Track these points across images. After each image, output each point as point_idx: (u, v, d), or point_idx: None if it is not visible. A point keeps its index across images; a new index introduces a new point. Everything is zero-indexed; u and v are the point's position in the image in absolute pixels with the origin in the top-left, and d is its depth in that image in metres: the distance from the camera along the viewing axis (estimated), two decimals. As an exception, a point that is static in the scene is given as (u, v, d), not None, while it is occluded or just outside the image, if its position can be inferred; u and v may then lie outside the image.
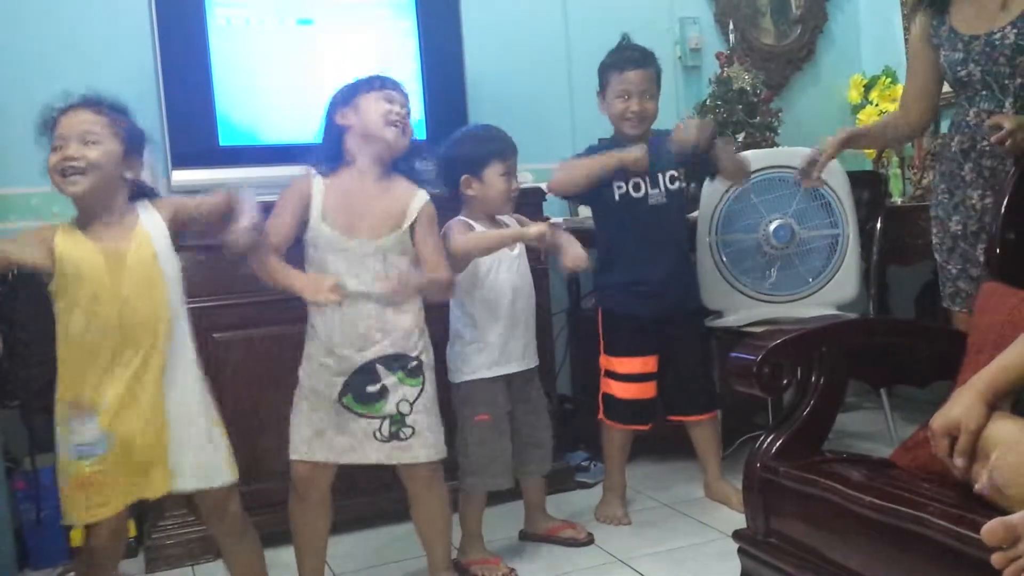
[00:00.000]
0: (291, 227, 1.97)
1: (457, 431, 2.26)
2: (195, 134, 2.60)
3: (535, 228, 2.18)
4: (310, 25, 2.75)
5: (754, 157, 2.78)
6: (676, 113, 3.44)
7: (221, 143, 2.63)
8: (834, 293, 2.80)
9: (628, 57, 2.48)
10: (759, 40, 3.67)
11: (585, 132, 3.03)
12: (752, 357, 1.58)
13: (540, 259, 2.55)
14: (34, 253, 1.68)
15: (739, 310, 2.77)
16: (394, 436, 1.97)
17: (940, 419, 1.33)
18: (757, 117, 3.27)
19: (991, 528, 1.05)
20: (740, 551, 1.63)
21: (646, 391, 2.52)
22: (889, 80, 3.56)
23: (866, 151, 3.54)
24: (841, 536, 1.41)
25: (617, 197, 2.47)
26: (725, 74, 3.32)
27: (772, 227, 2.75)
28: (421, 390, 1.99)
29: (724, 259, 2.79)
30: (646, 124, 2.49)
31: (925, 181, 3.11)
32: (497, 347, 2.24)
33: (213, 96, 2.62)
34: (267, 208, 1.94)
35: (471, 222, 2.25)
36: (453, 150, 2.30)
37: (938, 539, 1.20)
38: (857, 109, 3.66)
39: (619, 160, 2.38)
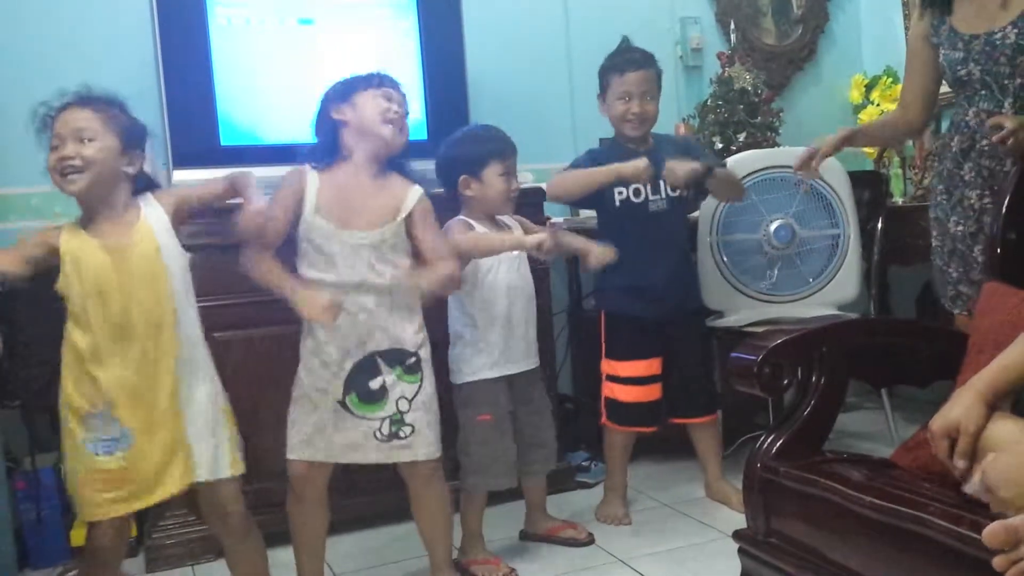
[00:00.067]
0: (284, 222, 1.96)
1: (459, 431, 2.26)
2: (196, 134, 2.60)
3: (534, 238, 2.16)
4: (311, 25, 2.75)
5: (755, 157, 2.78)
6: (677, 113, 3.44)
7: (222, 143, 2.63)
8: (835, 293, 2.79)
9: (628, 59, 2.48)
10: (760, 40, 3.66)
11: (586, 132, 3.03)
12: (753, 357, 1.58)
13: (541, 259, 2.55)
14: (40, 252, 1.69)
15: (740, 310, 2.77)
16: (394, 435, 1.97)
17: (939, 421, 1.32)
18: (758, 117, 3.27)
19: (992, 531, 1.04)
20: (740, 551, 1.63)
21: (651, 393, 2.52)
22: (890, 80, 3.55)
23: (867, 151, 3.54)
24: (841, 536, 1.41)
25: (618, 203, 2.47)
26: (726, 74, 3.32)
27: (773, 227, 2.75)
28: (419, 387, 1.99)
29: (725, 259, 2.79)
30: (647, 126, 2.49)
31: (926, 181, 3.11)
32: (497, 348, 2.24)
33: (214, 96, 2.62)
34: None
35: (472, 222, 2.24)
36: (451, 150, 2.30)
37: (938, 539, 1.20)
38: (858, 109, 3.66)
39: (618, 175, 2.36)
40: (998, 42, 2.07)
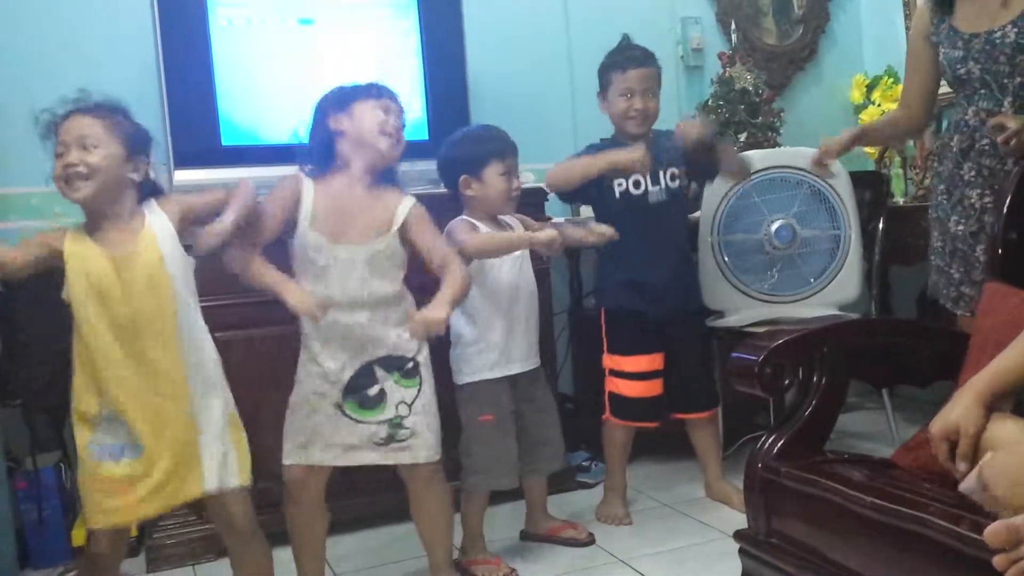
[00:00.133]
0: (275, 227, 1.95)
1: (461, 431, 2.26)
2: (197, 134, 2.60)
3: (544, 234, 2.17)
4: (311, 25, 2.75)
5: (756, 157, 2.78)
6: (678, 113, 3.43)
7: (223, 143, 2.63)
8: (836, 293, 2.79)
9: (630, 56, 2.49)
10: (761, 40, 3.66)
11: (586, 132, 3.02)
12: (754, 357, 1.57)
13: (542, 259, 2.55)
14: (41, 252, 1.69)
15: (741, 310, 2.77)
16: (391, 439, 1.97)
17: (938, 424, 1.32)
18: (759, 117, 3.26)
19: (994, 530, 1.04)
20: (741, 551, 1.63)
21: (653, 388, 2.52)
22: (891, 80, 3.55)
23: (868, 151, 3.54)
24: (842, 536, 1.41)
25: (617, 194, 2.47)
26: (727, 74, 3.32)
27: (774, 227, 2.75)
28: (419, 391, 1.99)
29: (726, 259, 2.79)
30: (649, 122, 2.49)
31: (927, 181, 3.11)
32: (499, 347, 2.24)
33: (215, 96, 2.62)
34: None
35: (475, 222, 2.24)
36: (452, 150, 2.30)
37: (939, 539, 1.20)
38: (859, 109, 3.65)
39: (614, 163, 2.36)
40: (998, 41, 2.07)
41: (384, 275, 1.97)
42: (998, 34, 2.07)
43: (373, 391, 1.95)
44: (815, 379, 1.61)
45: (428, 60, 2.86)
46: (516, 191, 2.28)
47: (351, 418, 1.95)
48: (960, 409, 1.30)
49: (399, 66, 2.81)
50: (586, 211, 2.92)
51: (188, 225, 1.81)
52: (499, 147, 2.25)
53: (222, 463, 1.75)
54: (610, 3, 3.39)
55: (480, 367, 2.24)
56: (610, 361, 2.55)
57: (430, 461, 2.01)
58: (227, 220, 1.80)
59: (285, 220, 1.96)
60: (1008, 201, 1.77)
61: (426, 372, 2.02)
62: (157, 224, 1.75)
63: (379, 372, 1.96)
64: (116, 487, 1.69)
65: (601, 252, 2.59)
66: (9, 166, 2.63)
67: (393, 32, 2.85)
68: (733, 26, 3.59)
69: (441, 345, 2.27)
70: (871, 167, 3.45)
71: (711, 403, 2.62)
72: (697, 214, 2.77)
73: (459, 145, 2.30)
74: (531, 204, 2.54)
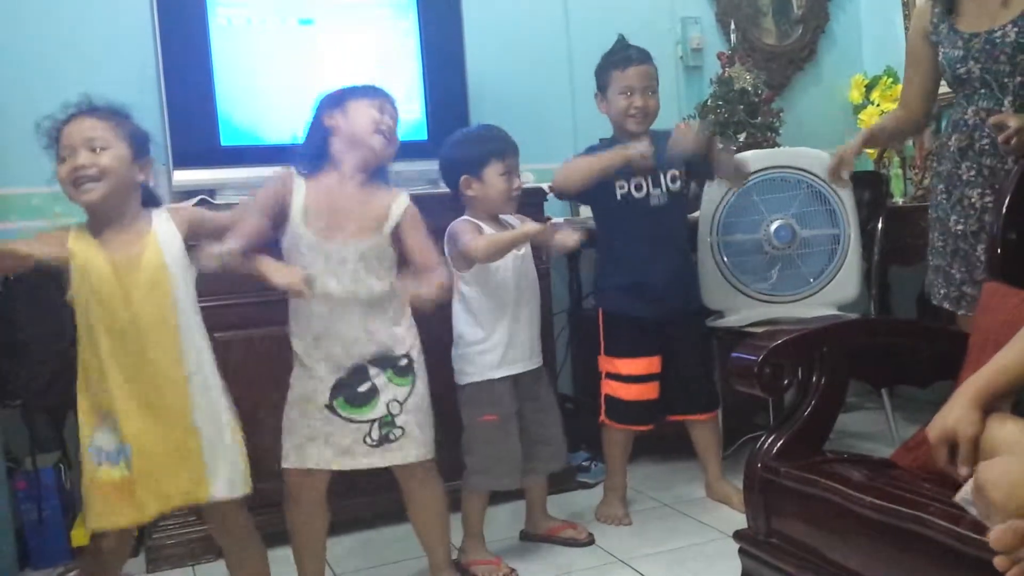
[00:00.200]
0: (264, 224, 1.94)
1: (464, 431, 2.26)
2: (197, 134, 2.60)
3: (535, 225, 2.19)
4: (311, 25, 2.75)
5: (755, 157, 2.78)
6: (677, 113, 3.44)
7: (223, 143, 2.63)
8: (835, 293, 2.79)
9: (628, 55, 2.49)
10: (760, 40, 3.66)
11: (586, 132, 3.03)
12: (753, 357, 1.57)
13: (542, 259, 2.55)
14: (49, 250, 1.68)
15: (740, 310, 2.77)
16: (384, 439, 1.96)
17: (935, 429, 1.32)
18: (758, 117, 3.26)
19: (1000, 534, 1.04)
20: (741, 551, 1.63)
21: (649, 392, 2.52)
22: (891, 80, 3.55)
23: (868, 151, 3.53)
24: (842, 536, 1.41)
25: (619, 197, 2.47)
26: (726, 74, 3.32)
27: (773, 227, 2.75)
28: (411, 390, 1.99)
29: (725, 259, 2.79)
30: (649, 120, 2.49)
31: (926, 181, 3.11)
32: (501, 347, 2.24)
33: (214, 96, 2.62)
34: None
35: (478, 222, 2.24)
36: (452, 151, 2.30)
37: (939, 539, 1.20)
38: (859, 109, 3.65)
39: (624, 156, 2.36)
40: (998, 40, 2.07)
41: (377, 272, 1.96)
42: (998, 33, 2.07)
43: (363, 387, 1.95)
44: (815, 379, 1.61)
45: (428, 60, 2.86)
46: (517, 191, 2.28)
47: (343, 417, 1.94)
48: (956, 413, 1.30)
49: (399, 66, 2.81)
50: (585, 211, 2.92)
51: (195, 237, 1.80)
52: (499, 147, 2.25)
53: (226, 469, 1.75)
54: (610, 3, 3.39)
55: (483, 367, 2.24)
56: (606, 363, 2.55)
57: (423, 460, 2.01)
58: (232, 246, 1.81)
59: (275, 216, 1.95)
60: (1007, 201, 1.77)
61: (419, 370, 2.02)
62: (164, 230, 1.75)
63: (372, 370, 1.96)
64: (114, 491, 1.68)
65: (601, 253, 2.59)
66: (9, 166, 2.63)
67: (393, 32, 2.85)
68: (732, 26, 3.59)
69: (442, 346, 2.28)
70: (870, 167, 3.45)
71: (711, 405, 2.61)
72: (696, 214, 2.77)
73: (459, 145, 2.30)
74: (531, 204, 2.54)
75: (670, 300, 2.50)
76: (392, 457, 1.98)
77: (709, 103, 3.33)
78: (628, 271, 2.48)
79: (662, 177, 2.46)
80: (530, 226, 2.22)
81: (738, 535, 1.63)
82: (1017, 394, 1.34)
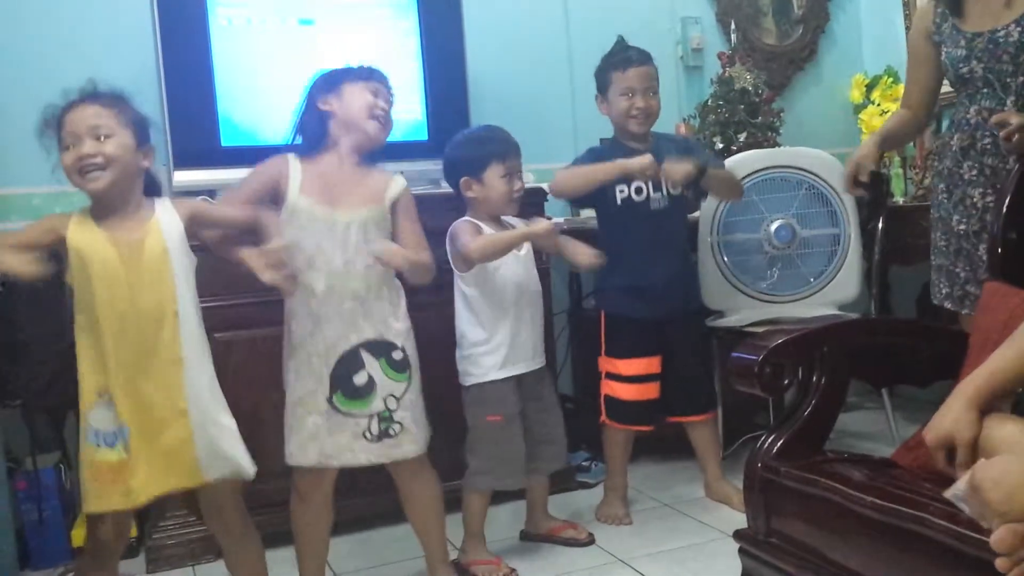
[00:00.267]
0: (256, 204, 1.94)
1: (468, 432, 2.26)
2: (197, 134, 2.60)
3: (542, 224, 2.19)
4: (311, 25, 2.75)
5: (756, 157, 2.79)
6: (677, 113, 3.44)
7: (223, 143, 2.63)
8: (835, 293, 2.80)
9: (628, 56, 2.49)
10: (761, 40, 3.66)
11: (587, 132, 3.03)
12: (753, 357, 1.57)
13: (542, 259, 2.55)
14: (47, 236, 1.69)
15: (740, 310, 2.77)
16: (384, 434, 1.96)
17: (932, 433, 1.31)
18: (759, 117, 3.26)
19: (1001, 536, 1.04)
20: (741, 551, 1.62)
21: (649, 392, 2.52)
22: (891, 80, 3.55)
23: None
24: (842, 536, 1.41)
25: (619, 201, 2.47)
26: (727, 74, 3.32)
27: (773, 227, 2.75)
28: (408, 385, 1.99)
29: (725, 259, 2.79)
30: (651, 121, 2.49)
31: (927, 181, 3.11)
32: (504, 347, 2.23)
33: (215, 96, 2.62)
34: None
35: (479, 223, 2.24)
36: (453, 152, 2.30)
37: (939, 539, 1.20)
38: (859, 109, 3.66)
39: (623, 170, 2.36)
40: (1001, 40, 2.07)
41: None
42: (1001, 33, 2.07)
43: (360, 379, 1.94)
44: (815, 379, 1.61)
45: (428, 60, 2.86)
46: (518, 193, 2.27)
47: (342, 412, 1.94)
48: (953, 416, 1.29)
49: (399, 66, 2.79)
50: (586, 212, 2.92)
51: (196, 228, 1.81)
52: (500, 149, 2.25)
53: (221, 453, 1.75)
54: (610, 3, 3.39)
55: (487, 368, 2.23)
56: (606, 364, 2.55)
57: (417, 455, 2.01)
58: (278, 239, 1.83)
59: (269, 197, 1.94)
60: (1008, 200, 1.77)
61: (415, 367, 2.02)
62: (166, 219, 1.76)
63: (366, 356, 1.95)
64: (110, 473, 1.68)
65: (603, 254, 2.58)
66: (10, 166, 2.63)
67: (393, 32, 2.85)
68: (733, 26, 3.59)
69: (442, 346, 2.28)
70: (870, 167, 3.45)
71: (710, 405, 2.61)
72: (697, 214, 2.77)
73: (461, 146, 2.30)
74: (531, 204, 2.54)
75: (670, 301, 2.50)
76: (392, 453, 1.98)
77: (709, 103, 3.33)
78: (628, 273, 2.48)
79: (663, 181, 2.46)
80: (535, 227, 2.21)
81: (738, 535, 1.63)
82: (1016, 394, 1.34)
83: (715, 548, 2.29)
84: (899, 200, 3.29)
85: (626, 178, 2.42)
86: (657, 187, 2.47)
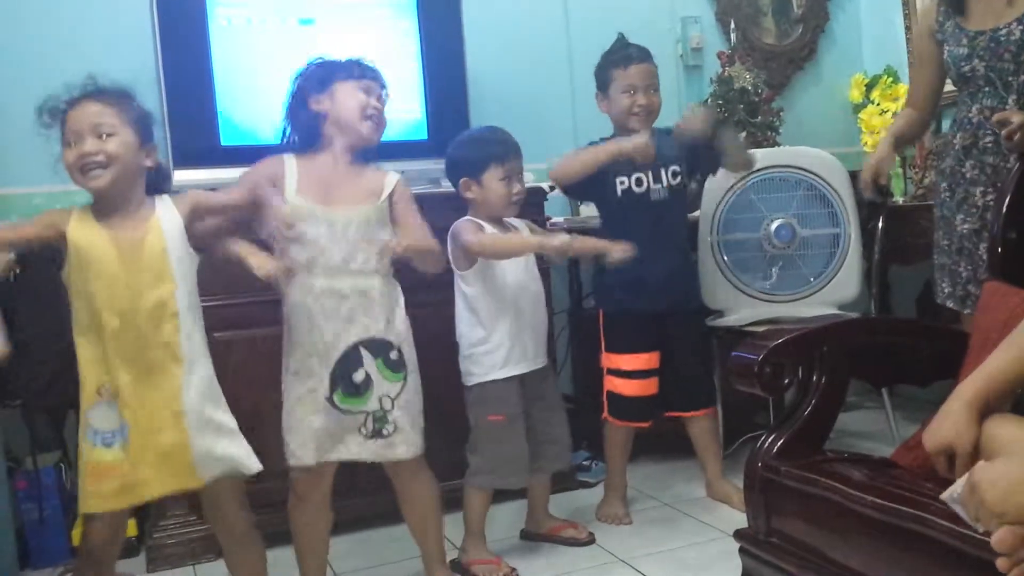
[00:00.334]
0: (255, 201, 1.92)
1: (471, 431, 2.26)
2: (196, 134, 2.60)
3: (558, 240, 2.16)
4: (311, 25, 2.75)
5: (756, 157, 2.78)
6: (678, 112, 3.42)
7: (222, 143, 2.63)
8: (835, 292, 2.79)
9: (629, 53, 2.49)
10: (760, 39, 3.66)
11: (587, 132, 3.01)
12: (754, 356, 1.57)
13: (542, 259, 2.55)
14: (47, 232, 1.69)
15: (740, 309, 2.77)
16: (377, 433, 1.96)
17: (932, 441, 1.31)
18: (758, 116, 3.27)
19: (1001, 537, 1.04)
20: (741, 551, 1.63)
21: (648, 387, 2.52)
22: (891, 80, 3.55)
23: (868, 150, 3.54)
24: (842, 536, 1.41)
25: (619, 192, 2.47)
26: (726, 73, 3.32)
27: (774, 226, 2.75)
28: (403, 386, 1.98)
29: (725, 258, 2.79)
30: (652, 118, 2.49)
31: (927, 180, 3.11)
32: (504, 347, 2.23)
33: (214, 96, 2.62)
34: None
35: (481, 223, 2.24)
36: (454, 152, 2.30)
37: (939, 539, 1.20)
38: (858, 108, 3.66)
39: (620, 149, 2.36)
40: (1003, 38, 2.07)
41: (375, 242, 1.95)
42: (1003, 31, 2.07)
43: (358, 376, 1.93)
44: (815, 378, 1.61)
45: (428, 60, 2.86)
46: (517, 195, 2.27)
47: (341, 410, 1.94)
48: (951, 424, 1.29)
49: (399, 66, 2.80)
50: (586, 210, 2.92)
51: (198, 220, 1.80)
52: (499, 151, 2.25)
53: (220, 454, 1.74)
54: (610, 3, 3.39)
55: (489, 367, 2.23)
56: (607, 360, 2.55)
57: (413, 457, 2.01)
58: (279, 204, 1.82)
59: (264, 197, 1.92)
60: (1008, 200, 1.77)
61: (411, 365, 2.01)
62: (167, 216, 1.75)
63: (364, 354, 1.94)
64: (107, 472, 1.68)
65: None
66: (10, 166, 2.63)
67: (393, 32, 2.85)
68: (732, 25, 3.59)
69: (442, 346, 2.28)
70: (870, 166, 3.45)
71: (708, 401, 2.61)
72: (697, 213, 2.77)
73: (461, 147, 2.30)
74: (530, 204, 2.53)
75: (669, 294, 2.50)
76: (385, 453, 1.97)
77: (709, 102, 3.33)
78: (628, 266, 2.47)
79: (663, 172, 2.46)
80: (551, 241, 2.17)
81: (738, 534, 1.63)
82: (1016, 395, 1.34)
83: (715, 548, 2.29)
84: (899, 200, 3.29)
85: (627, 167, 2.41)
86: (657, 177, 2.47)
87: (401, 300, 2.03)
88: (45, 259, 1.74)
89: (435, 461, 2.10)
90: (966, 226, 2.17)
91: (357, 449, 1.96)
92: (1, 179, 2.68)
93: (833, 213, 2.78)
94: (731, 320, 2.76)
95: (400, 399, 1.98)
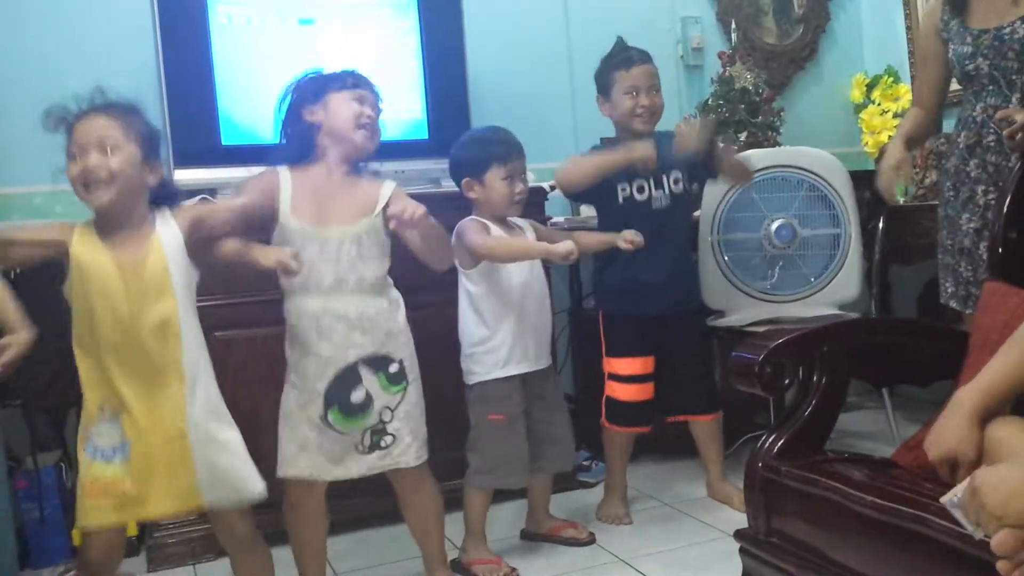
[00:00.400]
0: (250, 217, 1.92)
1: (471, 429, 2.26)
2: (197, 133, 2.60)
3: (564, 247, 2.16)
4: (311, 24, 2.75)
5: (756, 157, 2.78)
6: (678, 112, 3.43)
7: (223, 142, 2.63)
8: (836, 293, 2.79)
9: (630, 55, 2.49)
10: (761, 39, 3.66)
11: (587, 132, 3.03)
12: (754, 356, 1.57)
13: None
14: (50, 245, 1.69)
15: (741, 309, 2.77)
16: (375, 446, 1.95)
17: (935, 450, 1.31)
18: (759, 116, 3.26)
19: (1002, 539, 1.03)
20: (741, 551, 1.62)
21: (644, 392, 2.52)
22: (891, 80, 3.55)
23: (868, 150, 3.54)
24: (843, 536, 1.41)
25: (621, 199, 2.47)
26: (727, 73, 3.32)
27: (774, 226, 2.75)
28: (403, 396, 1.97)
29: (726, 258, 2.79)
30: (656, 119, 2.49)
31: (927, 180, 3.11)
32: (506, 346, 2.23)
33: (215, 95, 2.62)
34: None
35: (486, 222, 2.24)
36: (457, 152, 2.30)
37: (940, 539, 1.20)
38: (859, 108, 3.65)
39: (627, 157, 2.36)
40: (1007, 37, 2.07)
41: (371, 259, 1.95)
42: (1007, 30, 2.07)
43: (357, 396, 1.92)
44: (815, 378, 1.61)
45: (428, 60, 2.86)
46: (520, 195, 2.26)
47: (335, 430, 1.93)
48: (954, 435, 1.29)
49: (399, 66, 2.81)
50: (586, 210, 2.91)
51: (200, 234, 1.79)
52: (501, 150, 2.25)
53: (223, 477, 1.73)
54: (610, 3, 3.39)
55: (491, 366, 2.23)
56: (607, 364, 2.55)
57: (416, 466, 2.00)
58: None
59: (262, 213, 1.92)
60: (1008, 200, 1.77)
61: (412, 375, 2.00)
62: (167, 233, 1.74)
63: (364, 372, 1.94)
64: (105, 489, 1.68)
65: (601, 253, 2.58)
66: (11, 166, 2.63)
67: (393, 32, 2.84)
68: (733, 25, 3.59)
69: (443, 346, 2.27)
70: (871, 167, 3.45)
71: (712, 405, 2.60)
72: (697, 213, 2.77)
73: (463, 147, 2.30)
74: (531, 203, 2.53)
75: (668, 299, 2.50)
76: (381, 464, 1.97)
77: (710, 102, 3.33)
78: (628, 271, 2.47)
79: (664, 179, 2.46)
80: (557, 249, 2.16)
81: (739, 535, 1.63)
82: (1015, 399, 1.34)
83: (715, 548, 2.29)
84: (899, 200, 3.28)
85: (628, 174, 2.41)
86: (659, 185, 2.47)
87: (402, 310, 2.02)
88: (46, 260, 1.73)
89: (436, 461, 2.10)
90: (971, 225, 2.16)
91: (356, 468, 1.96)
92: (1, 179, 2.67)
93: (834, 213, 2.78)
94: (731, 320, 2.76)
95: (399, 410, 1.97)
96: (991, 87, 2.13)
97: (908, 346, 1.73)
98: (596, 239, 2.33)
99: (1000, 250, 1.74)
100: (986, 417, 1.29)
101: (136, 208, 1.72)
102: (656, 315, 2.48)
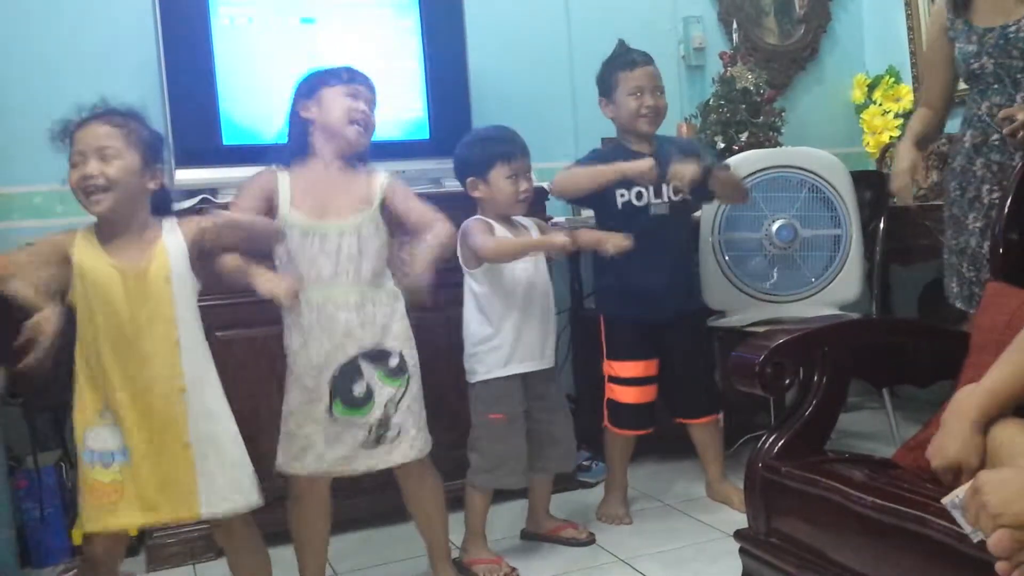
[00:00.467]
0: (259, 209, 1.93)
1: (471, 428, 2.26)
2: (199, 133, 2.60)
3: (560, 240, 2.17)
4: (313, 24, 2.74)
5: (757, 157, 2.78)
6: (679, 113, 3.44)
7: (225, 142, 2.63)
8: (837, 293, 2.79)
9: (633, 57, 2.48)
10: (763, 39, 3.66)
11: (588, 131, 3.03)
12: (754, 357, 1.57)
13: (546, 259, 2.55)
14: (53, 257, 1.68)
15: (741, 310, 2.77)
16: (380, 440, 1.96)
17: (938, 460, 1.31)
18: (760, 116, 3.27)
19: (999, 539, 1.03)
20: (741, 551, 1.62)
21: (646, 395, 2.52)
22: (893, 80, 3.55)
23: (868, 151, 3.54)
24: (843, 536, 1.41)
25: (619, 205, 2.46)
26: (728, 73, 3.32)
27: (775, 227, 2.75)
28: (404, 390, 1.98)
29: (727, 259, 2.79)
30: (660, 120, 2.49)
31: (928, 181, 3.10)
32: (508, 345, 2.23)
33: (217, 95, 2.62)
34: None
35: (490, 222, 2.24)
36: (461, 151, 2.30)
37: (940, 539, 1.20)
38: (861, 109, 3.66)
39: (622, 174, 2.35)
40: (1012, 35, 2.07)
41: (370, 252, 1.95)
42: (1012, 28, 2.07)
43: (359, 389, 1.93)
44: (816, 379, 1.61)
45: (429, 59, 2.86)
46: (524, 194, 2.26)
47: (341, 421, 1.93)
48: (957, 445, 1.29)
49: (400, 65, 2.81)
50: (587, 211, 2.91)
51: (205, 248, 1.79)
52: (505, 149, 2.24)
53: (224, 487, 1.73)
54: (611, 3, 3.39)
55: (492, 365, 2.23)
56: (608, 367, 2.55)
57: (419, 458, 2.01)
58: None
59: (260, 210, 1.93)
60: (1010, 199, 1.77)
61: (412, 369, 2.01)
62: (172, 242, 1.74)
63: (364, 366, 1.94)
64: (105, 493, 1.68)
65: (601, 258, 2.58)
66: (11, 166, 2.63)
67: (395, 31, 2.84)
68: (735, 25, 3.59)
69: (444, 345, 2.27)
70: (872, 167, 3.45)
71: (711, 408, 2.60)
72: (698, 213, 2.77)
73: (467, 146, 2.30)
74: (532, 203, 2.53)
75: (668, 305, 2.49)
76: (388, 459, 1.97)
77: (711, 102, 3.33)
78: (627, 276, 2.46)
79: (664, 187, 2.45)
80: (552, 240, 2.19)
81: (739, 535, 1.63)
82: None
83: (715, 548, 2.28)
84: (913, 202, 3.27)
85: (627, 181, 2.41)
86: (658, 192, 2.46)
87: (402, 303, 2.02)
88: (52, 297, 1.72)
89: (437, 460, 2.10)
90: (977, 225, 2.16)
91: (364, 464, 1.96)
92: (1, 179, 2.68)
93: (835, 214, 2.78)
94: (732, 320, 2.76)
95: (402, 403, 1.98)
96: (996, 85, 2.13)
97: (908, 346, 1.73)
98: (589, 236, 2.32)
99: (1001, 251, 1.74)
100: (988, 423, 1.29)
101: (137, 214, 1.73)
102: (656, 321, 2.48)
